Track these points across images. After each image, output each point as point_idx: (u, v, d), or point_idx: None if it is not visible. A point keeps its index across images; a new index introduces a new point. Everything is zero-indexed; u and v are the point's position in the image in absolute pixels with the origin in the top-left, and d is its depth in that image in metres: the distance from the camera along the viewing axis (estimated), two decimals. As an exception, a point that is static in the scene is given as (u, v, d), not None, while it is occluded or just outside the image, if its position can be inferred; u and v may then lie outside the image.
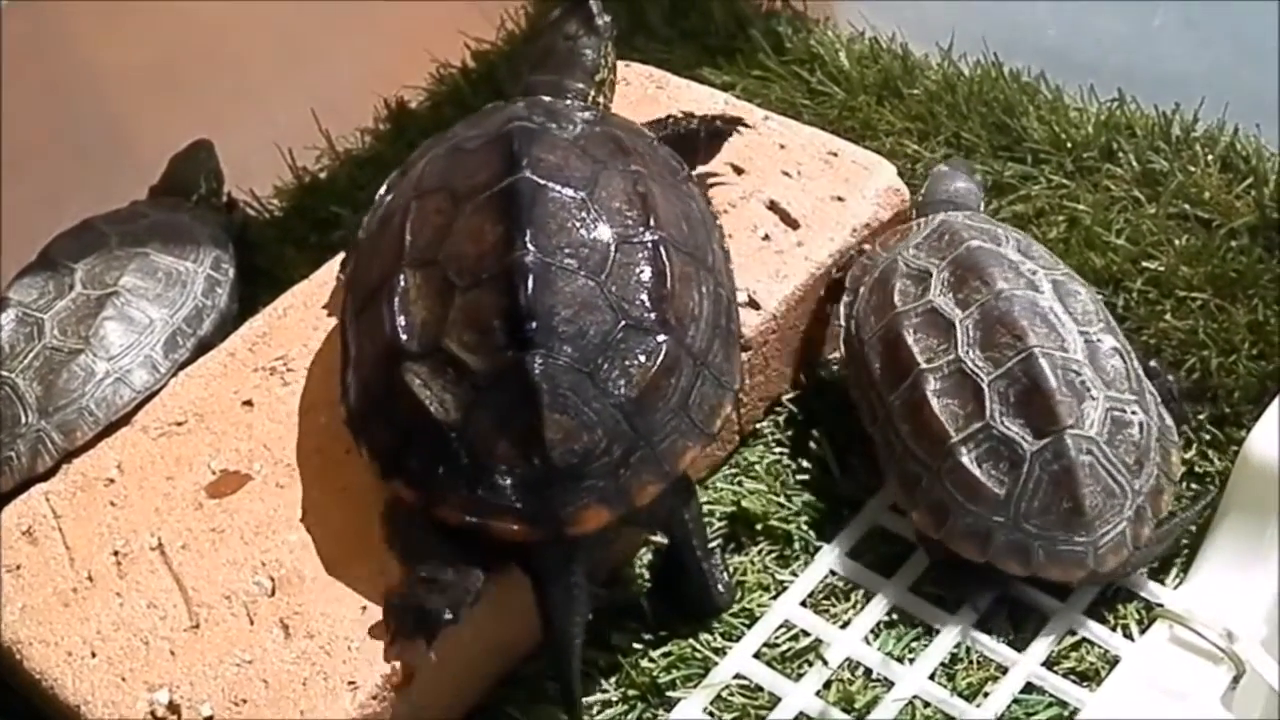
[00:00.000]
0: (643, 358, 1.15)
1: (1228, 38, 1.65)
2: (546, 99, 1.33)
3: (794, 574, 1.29)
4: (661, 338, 1.16)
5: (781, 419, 1.40)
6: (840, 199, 1.43)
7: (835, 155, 1.47)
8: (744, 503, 1.33)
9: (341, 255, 1.41)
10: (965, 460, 1.21)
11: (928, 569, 1.28)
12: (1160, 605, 1.23)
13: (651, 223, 1.20)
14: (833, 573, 1.29)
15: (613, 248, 1.17)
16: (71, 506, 1.27)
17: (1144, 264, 1.44)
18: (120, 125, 1.83)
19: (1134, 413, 1.23)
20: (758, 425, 1.39)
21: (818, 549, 1.31)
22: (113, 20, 1.87)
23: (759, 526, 1.32)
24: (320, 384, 1.33)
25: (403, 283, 1.18)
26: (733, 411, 1.26)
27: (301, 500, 1.24)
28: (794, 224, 1.41)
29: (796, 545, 1.31)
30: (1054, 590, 1.25)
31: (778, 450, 1.38)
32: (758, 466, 1.37)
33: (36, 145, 1.74)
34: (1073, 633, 1.23)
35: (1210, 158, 1.53)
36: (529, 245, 1.15)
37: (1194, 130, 1.56)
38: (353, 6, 1.97)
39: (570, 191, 1.19)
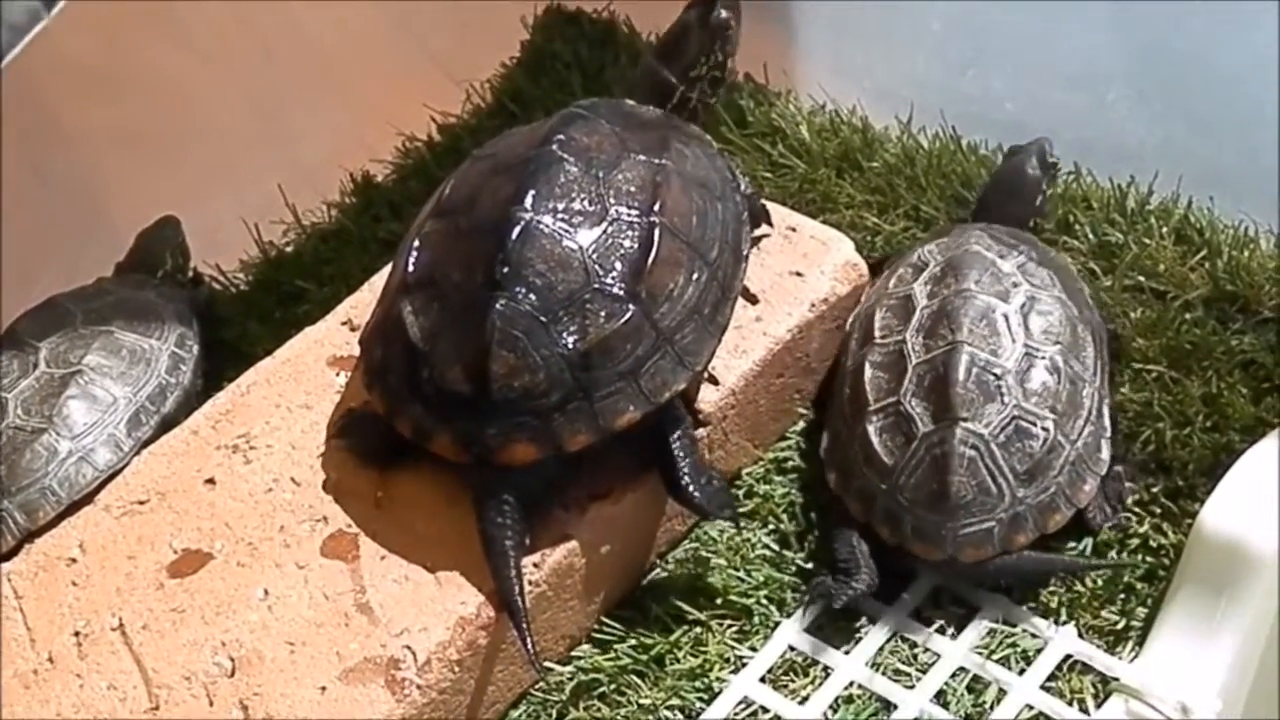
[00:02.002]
0: (602, 318, 1.24)
1: (1179, 112, 1.68)
2: (616, 100, 1.43)
3: (753, 649, 1.30)
4: (628, 306, 1.24)
5: (741, 493, 1.41)
6: (799, 274, 1.45)
7: (794, 230, 1.49)
8: (704, 577, 1.34)
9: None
10: (871, 428, 1.32)
11: (888, 641, 1.29)
12: (1116, 679, 1.24)
13: (656, 208, 1.29)
14: (792, 648, 1.30)
15: (607, 222, 1.27)
16: (33, 586, 1.27)
17: (1101, 336, 1.46)
18: (90, 199, 1.85)
19: (1044, 429, 1.29)
20: (718, 499, 1.40)
21: (777, 624, 1.32)
22: (86, 94, 1.90)
23: (719, 601, 1.33)
24: (284, 460, 1.34)
25: (426, 227, 1.31)
26: (689, 389, 1.31)
27: (262, 579, 1.24)
28: (753, 299, 1.43)
29: (756, 620, 1.32)
30: (1010, 663, 1.26)
31: (739, 525, 1.38)
32: (718, 541, 1.37)
33: (7, 214, 1.75)
34: (1030, 707, 1.24)
35: (1165, 230, 1.55)
36: (527, 204, 1.25)
37: (1149, 203, 1.58)
38: (320, 80, 2.00)
39: (586, 169, 1.29)
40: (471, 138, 1.80)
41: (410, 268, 1.31)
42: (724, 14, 1.43)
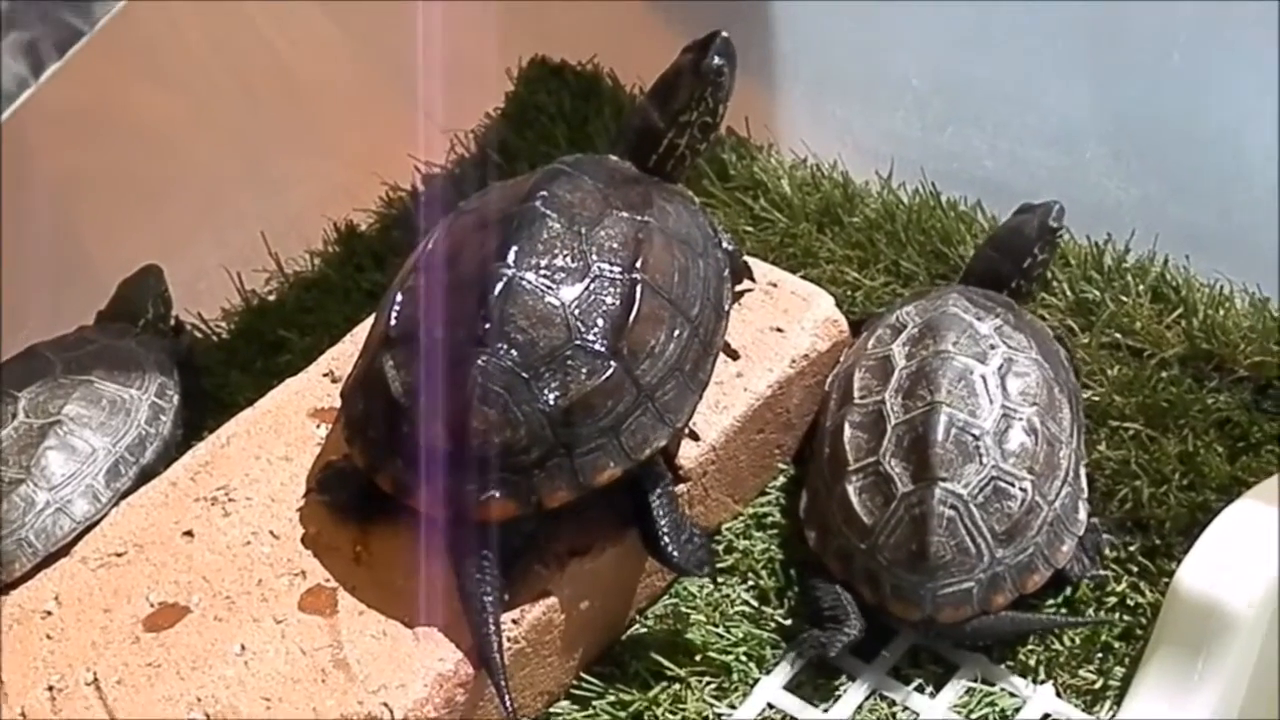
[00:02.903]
0: (583, 375, 1.24)
1: (1156, 172, 1.69)
2: (600, 157, 1.43)
3: (732, 706, 1.30)
4: (609, 363, 1.25)
5: (720, 549, 1.41)
6: (780, 330, 1.46)
7: (775, 286, 1.50)
8: (684, 633, 1.34)
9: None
10: (850, 488, 1.33)
11: (867, 698, 1.30)
12: (1093, 739, 1.25)
13: (638, 265, 1.29)
14: (771, 705, 1.30)
15: (590, 279, 1.27)
16: (7, 640, 1.26)
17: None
18: (72, 246, 1.85)
19: (1022, 489, 1.30)
20: (698, 555, 1.40)
21: (756, 681, 1.32)
22: (69, 141, 1.90)
23: (698, 658, 1.33)
24: (263, 513, 1.34)
25: (409, 282, 1.32)
26: (670, 445, 1.32)
27: (239, 634, 1.24)
28: (734, 355, 1.43)
29: (735, 677, 1.32)
30: (989, 723, 1.26)
31: (718, 580, 1.39)
32: (697, 597, 1.38)
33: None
34: (1008, 767, 1.24)
35: (1141, 288, 1.56)
36: (509, 260, 1.26)
37: (1125, 261, 1.60)
38: (306, 128, 2.01)
39: (569, 225, 1.30)
40: (455, 188, 1.81)
41: (392, 321, 1.31)
42: (718, 60, 1.42)
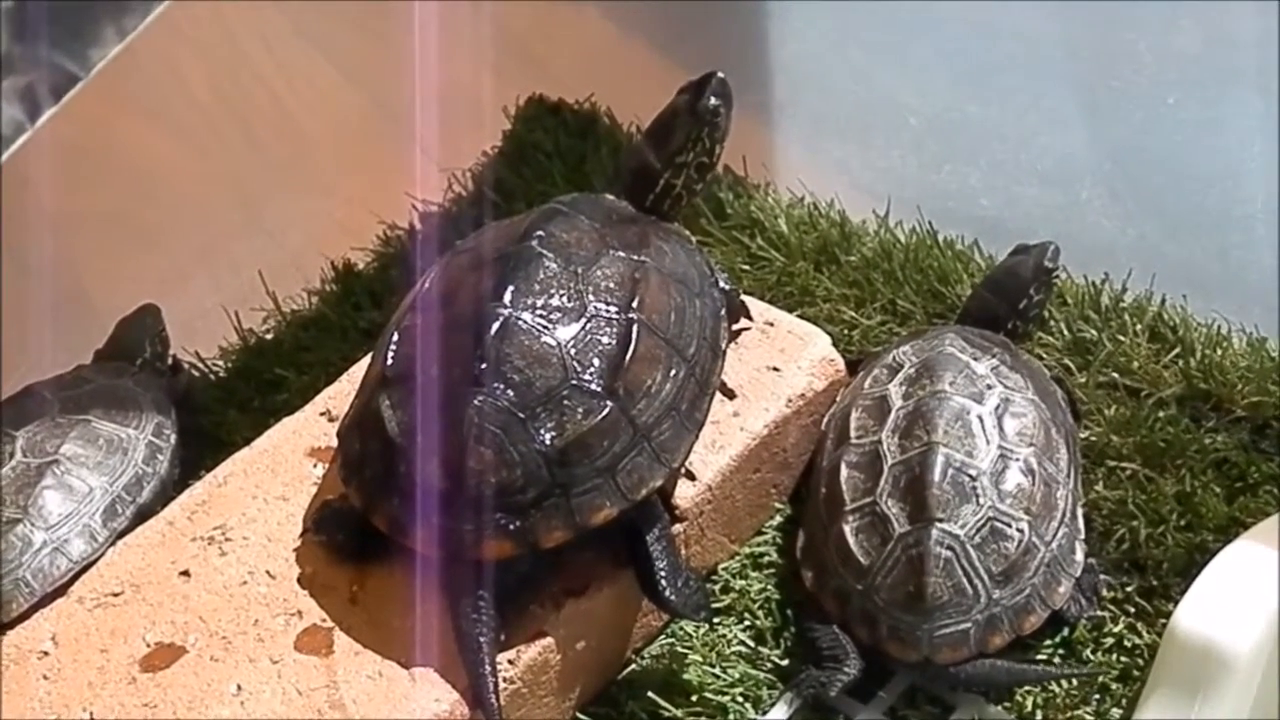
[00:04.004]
0: (580, 415, 1.23)
1: (1152, 211, 1.70)
2: (597, 196, 1.44)
3: (729, 748, 1.30)
4: (605, 403, 1.24)
5: (717, 588, 1.41)
6: (776, 369, 1.46)
7: (772, 325, 1.50)
8: (680, 673, 1.34)
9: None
10: (847, 528, 1.32)
11: (862, 739, 1.30)
12: (1091, 781, 1.24)
13: (634, 305, 1.29)
14: (767, 746, 1.30)
15: (586, 319, 1.27)
16: (4, 680, 1.25)
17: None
18: (71, 285, 1.85)
19: (1019, 530, 1.30)
20: (695, 595, 1.40)
21: (752, 721, 1.32)
22: (68, 180, 1.90)
23: (694, 698, 1.32)
24: (259, 553, 1.33)
25: (405, 321, 1.32)
26: (666, 485, 1.31)
27: (236, 674, 1.24)
28: (730, 394, 1.43)
29: (731, 717, 1.31)
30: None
31: (714, 621, 1.38)
32: (693, 637, 1.37)
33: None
34: (1006, 809, 1.24)
35: (1139, 327, 1.57)
36: (506, 300, 1.26)
37: (1123, 300, 1.60)
38: (304, 167, 2.02)
39: (565, 265, 1.30)
40: (453, 226, 1.81)
41: (389, 361, 1.31)
42: (714, 101, 1.43)
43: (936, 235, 1.71)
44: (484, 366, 1.25)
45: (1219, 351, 1.52)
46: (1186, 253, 1.65)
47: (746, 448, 1.40)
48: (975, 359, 1.40)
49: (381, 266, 1.83)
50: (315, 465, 1.41)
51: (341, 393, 1.46)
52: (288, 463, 1.41)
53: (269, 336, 1.76)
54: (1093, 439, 1.47)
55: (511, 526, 1.23)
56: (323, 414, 1.45)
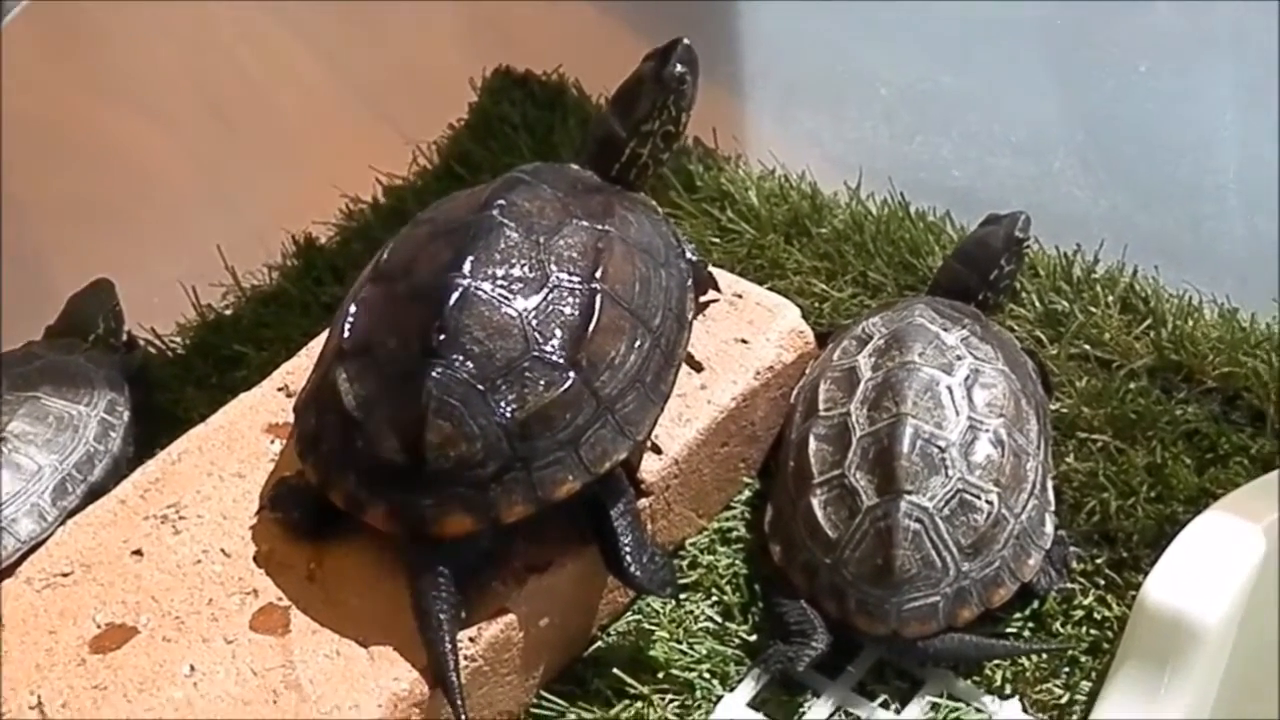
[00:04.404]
0: (541, 387, 1.21)
1: (1124, 181, 1.69)
2: (561, 165, 1.41)
3: (695, 725, 1.28)
4: (568, 374, 1.22)
5: (685, 564, 1.39)
6: (744, 341, 1.43)
7: (740, 297, 1.48)
8: (646, 650, 1.31)
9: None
10: (815, 501, 1.30)
11: (831, 715, 1.27)
12: (1061, 756, 1.23)
13: (597, 275, 1.27)
14: (734, 723, 1.28)
15: (548, 289, 1.25)
16: (-50, 662, 1.23)
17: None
18: (26, 261, 1.82)
19: (988, 502, 1.28)
20: (660, 571, 1.38)
21: (719, 698, 1.29)
22: (25, 154, 1.87)
23: (660, 675, 1.30)
24: (214, 531, 1.31)
25: (363, 293, 1.29)
26: (631, 459, 1.29)
27: (189, 655, 1.21)
28: (698, 367, 1.41)
29: (698, 694, 1.30)
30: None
31: (681, 596, 1.36)
32: (660, 613, 1.35)
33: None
34: (974, 785, 1.22)
35: (1110, 299, 1.55)
36: (465, 270, 1.24)
37: (1094, 271, 1.58)
38: (268, 140, 1.99)
39: (526, 234, 1.27)
40: (417, 200, 1.79)
41: (346, 334, 1.29)
42: (679, 68, 1.40)
43: (908, 207, 1.69)
44: (443, 338, 1.22)
45: (1190, 323, 1.50)
46: (1158, 223, 1.64)
47: (714, 421, 1.38)
48: (945, 330, 1.38)
49: (344, 241, 1.80)
50: (273, 441, 1.38)
51: (300, 368, 1.44)
52: (244, 439, 1.38)
53: (228, 312, 1.74)
54: (1064, 411, 1.45)
55: (472, 501, 1.21)
56: (280, 389, 1.43)
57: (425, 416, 1.21)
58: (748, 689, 1.30)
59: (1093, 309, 1.54)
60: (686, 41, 1.41)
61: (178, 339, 1.72)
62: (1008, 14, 1.82)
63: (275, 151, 1.97)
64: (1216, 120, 1.68)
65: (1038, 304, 1.56)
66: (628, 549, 1.25)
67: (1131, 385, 1.47)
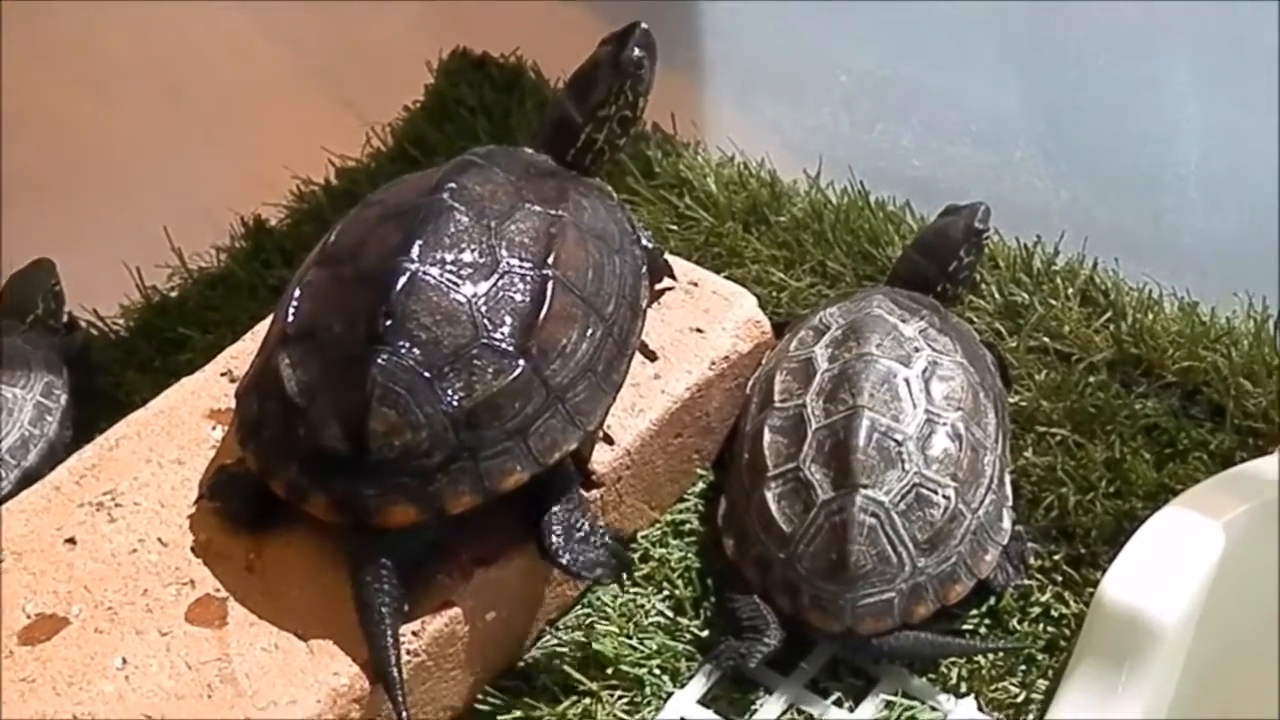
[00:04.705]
0: (489, 375, 1.18)
1: (1085, 173, 1.67)
2: (514, 149, 1.38)
3: (644, 721, 1.25)
4: (517, 362, 1.19)
5: (636, 557, 1.36)
6: (700, 331, 1.41)
7: (696, 285, 1.45)
8: (595, 645, 1.29)
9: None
10: (769, 495, 1.28)
11: (784, 713, 1.25)
12: (1015, 755, 1.21)
13: (549, 261, 1.24)
14: (684, 720, 1.25)
15: (498, 274, 1.22)
16: (-127, 654, 1.19)
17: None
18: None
19: (945, 497, 1.26)
20: (612, 563, 1.36)
21: (670, 695, 1.27)
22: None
23: (609, 671, 1.28)
24: (151, 519, 1.27)
25: (309, 276, 1.26)
26: (582, 449, 1.26)
27: (121, 647, 1.17)
28: (652, 356, 1.38)
29: (648, 690, 1.27)
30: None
31: (632, 590, 1.34)
32: (610, 608, 1.32)
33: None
34: (928, 784, 1.20)
35: (1070, 291, 1.54)
36: (413, 254, 1.20)
37: (1055, 263, 1.57)
38: (222, 120, 1.95)
39: (477, 219, 1.24)
40: (370, 182, 1.76)
41: (290, 318, 1.25)
42: (637, 53, 1.37)
43: (868, 196, 1.67)
44: (389, 324, 1.19)
45: (1150, 316, 1.49)
46: (1119, 215, 1.62)
47: (668, 411, 1.35)
48: (903, 321, 1.36)
49: (294, 223, 1.77)
50: (214, 428, 1.34)
51: (244, 352, 1.40)
52: (185, 425, 1.34)
53: (173, 294, 1.70)
54: (1023, 404, 1.44)
55: (416, 491, 1.18)
56: (224, 374, 1.39)
57: (369, 404, 1.17)
58: (699, 685, 1.27)
59: (1052, 301, 1.52)
60: (644, 26, 1.38)
61: (120, 321, 1.68)
62: (968, 4, 1.80)
63: (226, 130, 1.93)
64: (1177, 112, 1.67)
65: (997, 296, 1.54)
66: (556, 531, 1.21)
67: (1091, 379, 1.45)
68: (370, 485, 1.18)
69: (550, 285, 1.24)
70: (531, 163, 1.37)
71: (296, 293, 1.27)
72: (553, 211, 1.30)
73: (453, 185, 1.27)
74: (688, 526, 1.39)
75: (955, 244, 1.45)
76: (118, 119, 1.99)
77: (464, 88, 1.88)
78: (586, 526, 1.23)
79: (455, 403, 1.19)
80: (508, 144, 1.50)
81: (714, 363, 1.39)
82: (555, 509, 1.22)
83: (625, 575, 1.28)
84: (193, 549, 1.24)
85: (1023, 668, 1.27)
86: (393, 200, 1.31)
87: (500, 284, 1.23)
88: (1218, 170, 1.65)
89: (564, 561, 1.21)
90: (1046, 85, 1.75)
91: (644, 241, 1.38)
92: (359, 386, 1.18)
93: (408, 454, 1.18)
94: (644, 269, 1.36)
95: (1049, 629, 1.29)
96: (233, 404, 1.33)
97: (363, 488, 1.18)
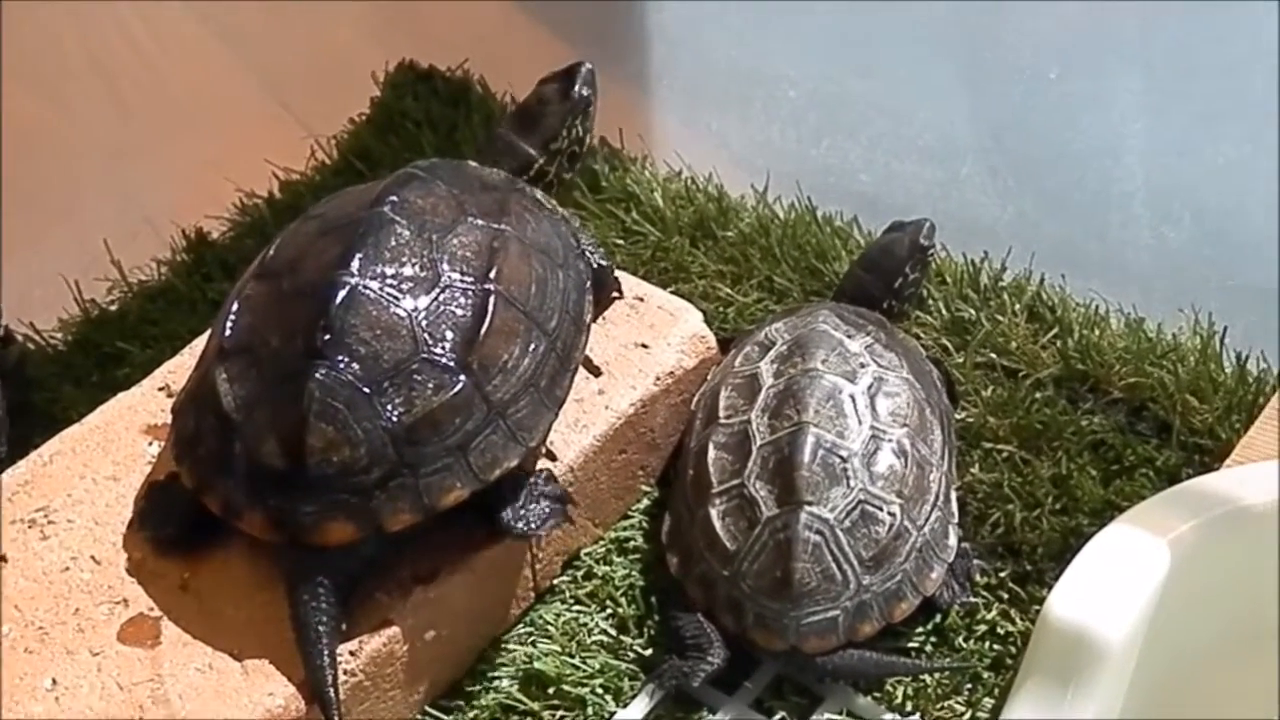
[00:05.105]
0: (430, 390, 1.17)
1: (1031, 189, 1.67)
2: (458, 162, 1.38)
3: (586, 742, 1.24)
4: (458, 377, 1.18)
5: (580, 574, 1.35)
6: (645, 346, 1.40)
7: (641, 300, 1.44)
8: (537, 664, 1.27)
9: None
10: (713, 512, 1.27)
11: (728, 732, 1.24)
12: (961, 774, 1.20)
13: (491, 275, 1.23)
14: (626, 740, 1.24)
15: (439, 289, 1.21)
16: None
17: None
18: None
19: (890, 514, 1.25)
20: (554, 581, 1.34)
21: (612, 714, 1.25)
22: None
23: (551, 690, 1.26)
24: (84, 537, 1.25)
25: (248, 289, 1.25)
26: (524, 465, 1.25)
27: (51, 668, 1.15)
28: (596, 371, 1.37)
29: (590, 710, 1.26)
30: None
31: (575, 609, 1.32)
32: (552, 626, 1.31)
33: None
34: (874, 804, 1.19)
35: (1017, 307, 1.53)
36: (352, 268, 1.19)
37: (1002, 279, 1.57)
38: (159, 131, 1.92)
39: (418, 232, 1.23)
40: (313, 195, 1.73)
41: (228, 332, 1.24)
42: (585, 90, 1.43)
43: (815, 211, 1.67)
44: (328, 338, 1.17)
45: (1097, 332, 1.49)
46: (1066, 231, 1.62)
47: (612, 427, 1.34)
48: (849, 336, 1.35)
49: (236, 236, 1.74)
50: (150, 443, 1.32)
51: (182, 367, 1.38)
52: (120, 441, 1.32)
53: (113, 308, 1.67)
54: (969, 420, 1.43)
55: (354, 508, 1.16)
56: (161, 389, 1.37)
57: (307, 419, 1.16)
58: (642, 705, 1.26)
59: (999, 317, 1.52)
60: (589, 65, 1.44)
61: (58, 335, 1.65)
62: (917, 16, 1.80)
63: (168, 141, 1.90)
64: (1124, 129, 1.67)
65: (944, 311, 1.54)
66: (505, 512, 1.21)
67: (1037, 395, 1.45)
68: (307, 502, 1.16)
69: (492, 300, 1.23)
70: (476, 175, 1.36)
71: (234, 306, 1.25)
72: (495, 225, 1.28)
73: (394, 198, 1.26)
74: (632, 544, 1.38)
75: (901, 260, 1.45)
76: (57, 127, 1.96)
77: (410, 101, 1.87)
78: (525, 489, 1.23)
79: (395, 418, 1.17)
80: (455, 156, 1.49)
81: (659, 378, 1.38)
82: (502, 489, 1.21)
83: (569, 509, 1.26)
84: (126, 567, 1.22)
85: (969, 686, 1.26)
86: (333, 213, 1.30)
87: (441, 298, 1.22)
88: (1163, 186, 1.65)
89: (519, 531, 1.21)
90: (994, 101, 1.75)
91: (595, 260, 1.38)
92: (296, 402, 1.16)
93: (346, 470, 1.16)
94: (588, 284, 1.35)
95: (995, 647, 1.28)
96: (169, 419, 1.30)
97: (300, 504, 1.16)
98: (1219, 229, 1.61)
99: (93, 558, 1.23)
